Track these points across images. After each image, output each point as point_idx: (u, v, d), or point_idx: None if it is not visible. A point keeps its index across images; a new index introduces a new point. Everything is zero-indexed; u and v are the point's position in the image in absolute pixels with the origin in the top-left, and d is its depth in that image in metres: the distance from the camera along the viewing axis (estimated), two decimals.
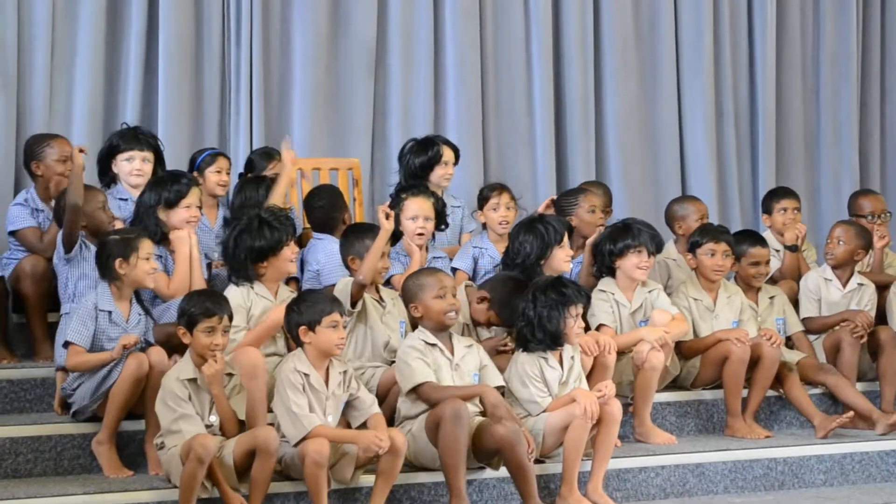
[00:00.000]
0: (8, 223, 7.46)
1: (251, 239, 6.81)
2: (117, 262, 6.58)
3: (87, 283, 6.85)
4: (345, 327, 6.47)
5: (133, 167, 7.64)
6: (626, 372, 7.47)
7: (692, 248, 8.00)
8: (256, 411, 6.37)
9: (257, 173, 8.14)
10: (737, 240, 8.14)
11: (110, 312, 6.57)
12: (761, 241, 8.19)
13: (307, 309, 6.35)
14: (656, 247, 7.71)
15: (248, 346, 6.58)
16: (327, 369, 6.36)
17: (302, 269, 7.61)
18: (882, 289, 8.51)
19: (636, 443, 7.40)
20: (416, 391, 6.56)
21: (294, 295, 6.78)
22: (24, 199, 7.47)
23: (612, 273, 7.71)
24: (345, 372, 6.41)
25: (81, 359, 6.48)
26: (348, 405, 6.43)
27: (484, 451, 6.54)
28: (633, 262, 7.64)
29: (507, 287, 7.21)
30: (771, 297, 8.22)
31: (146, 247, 6.64)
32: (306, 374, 6.29)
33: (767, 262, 8.17)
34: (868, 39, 10.97)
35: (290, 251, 6.87)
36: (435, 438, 6.42)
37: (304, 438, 6.17)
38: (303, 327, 6.33)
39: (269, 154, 8.30)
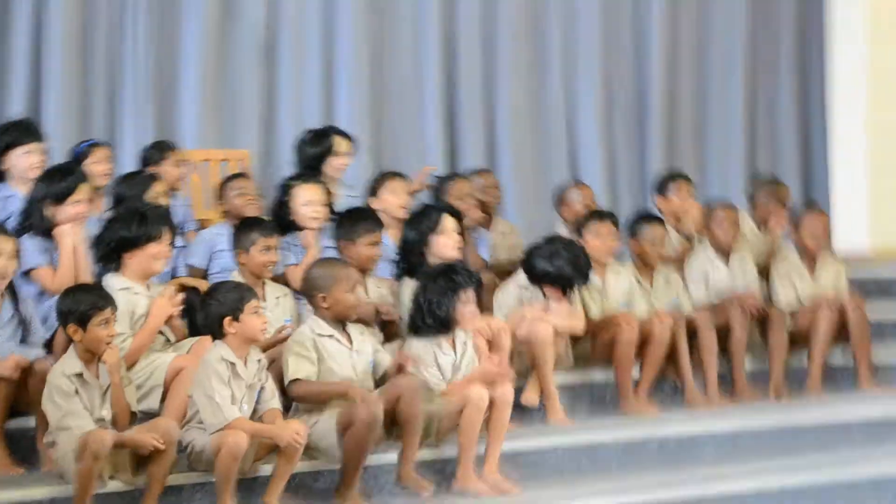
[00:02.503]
0: None
1: (121, 228, 6.73)
2: None
3: None
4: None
5: (33, 161, 7.37)
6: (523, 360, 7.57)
7: (579, 230, 8.09)
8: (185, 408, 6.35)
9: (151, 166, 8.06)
10: (635, 220, 8.30)
11: None
12: (658, 221, 8.32)
13: (226, 299, 6.30)
14: (583, 280, 7.71)
15: (137, 351, 6.54)
16: (245, 358, 6.34)
17: None
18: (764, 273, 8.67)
19: (530, 425, 7.45)
20: (290, 387, 6.55)
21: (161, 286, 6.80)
22: None
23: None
24: (259, 360, 6.40)
25: None
26: None
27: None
28: (553, 293, 7.66)
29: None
30: (666, 278, 8.31)
31: None
32: (232, 364, 6.24)
33: (663, 242, 8.29)
34: (757, 26, 11.12)
35: (157, 248, 6.72)
36: (344, 433, 6.40)
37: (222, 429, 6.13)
38: (227, 318, 6.27)
39: (161, 147, 8.20)
